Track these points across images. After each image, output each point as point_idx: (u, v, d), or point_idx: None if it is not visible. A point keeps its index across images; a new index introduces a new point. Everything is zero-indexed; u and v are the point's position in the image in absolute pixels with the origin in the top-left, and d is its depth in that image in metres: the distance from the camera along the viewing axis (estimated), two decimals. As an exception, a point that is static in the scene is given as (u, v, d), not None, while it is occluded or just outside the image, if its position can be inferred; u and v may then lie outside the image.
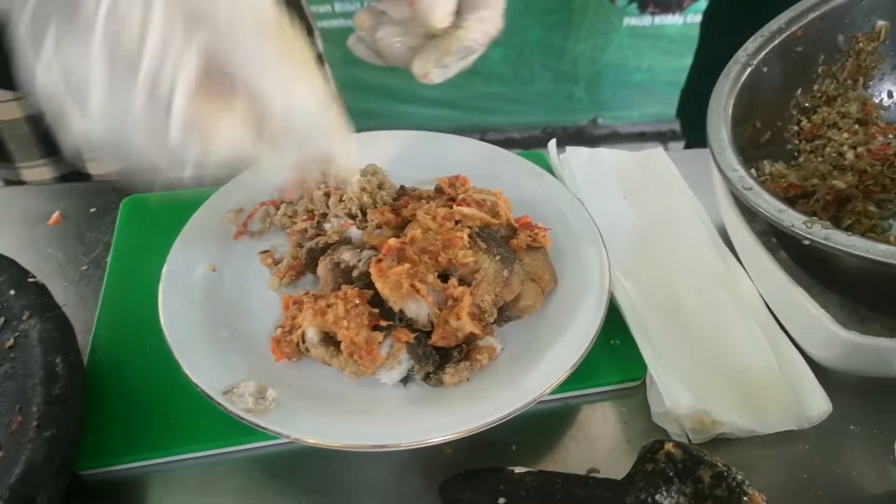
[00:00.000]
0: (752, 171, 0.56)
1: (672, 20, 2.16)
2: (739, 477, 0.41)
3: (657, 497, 0.41)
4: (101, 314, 0.55)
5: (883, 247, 0.43)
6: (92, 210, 0.67)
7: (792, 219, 0.47)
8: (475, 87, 2.06)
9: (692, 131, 1.23)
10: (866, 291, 0.49)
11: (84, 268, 0.61)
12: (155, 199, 0.65)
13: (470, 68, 0.50)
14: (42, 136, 0.74)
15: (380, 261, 0.48)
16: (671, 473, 0.42)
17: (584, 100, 2.27)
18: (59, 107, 0.32)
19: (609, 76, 2.22)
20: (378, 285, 0.47)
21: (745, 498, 0.40)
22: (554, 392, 0.46)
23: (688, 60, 1.31)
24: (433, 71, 0.49)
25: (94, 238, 0.64)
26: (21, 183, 0.77)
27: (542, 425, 0.50)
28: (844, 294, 0.50)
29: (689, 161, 0.69)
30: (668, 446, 0.43)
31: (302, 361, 0.50)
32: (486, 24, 0.49)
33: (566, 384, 0.47)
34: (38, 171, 0.77)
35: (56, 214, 0.66)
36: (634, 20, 2.14)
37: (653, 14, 2.15)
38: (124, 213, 0.64)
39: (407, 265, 0.47)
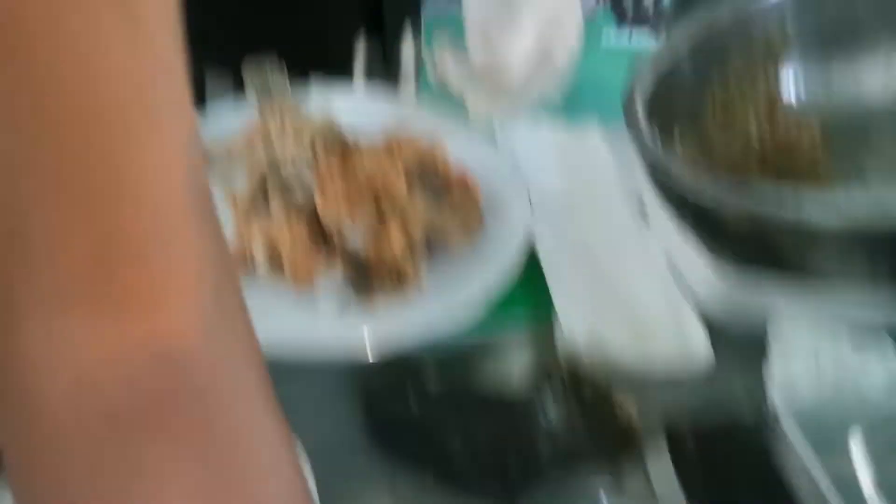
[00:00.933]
0: (665, 143, 0.62)
1: (648, 40, 2.24)
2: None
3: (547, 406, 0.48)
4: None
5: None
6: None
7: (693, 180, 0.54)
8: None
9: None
10: (748, 249, 0.56)
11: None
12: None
13: None
14: None
15: (323, 188, 0.54)
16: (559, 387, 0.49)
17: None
18: None
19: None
20: (319, 209, 0.53)
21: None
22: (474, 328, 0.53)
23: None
24: None
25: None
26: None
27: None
28: (733, 256, 0.57)
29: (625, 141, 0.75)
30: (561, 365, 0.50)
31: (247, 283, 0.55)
32: None
33: (486, 321, 0.54)
34: None
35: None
36: (613, 41, 2.22)
37: (630, 29, 2.23)
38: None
39: (347, 192, 0.53)
